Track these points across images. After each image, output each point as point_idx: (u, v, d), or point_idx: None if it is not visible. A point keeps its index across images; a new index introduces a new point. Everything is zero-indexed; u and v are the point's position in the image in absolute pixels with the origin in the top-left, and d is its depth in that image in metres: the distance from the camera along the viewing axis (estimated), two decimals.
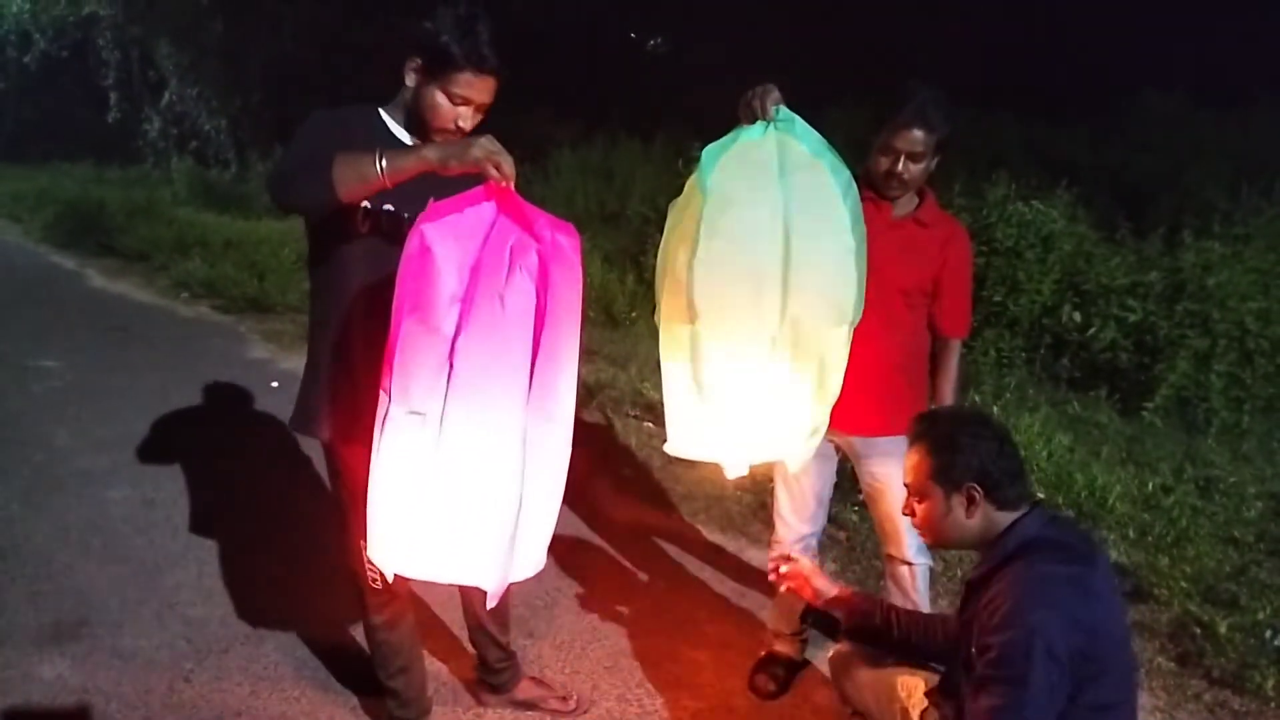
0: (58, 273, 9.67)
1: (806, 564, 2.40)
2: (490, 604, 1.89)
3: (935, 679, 2.14)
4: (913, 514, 2.03)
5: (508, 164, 1.83)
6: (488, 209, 1.82)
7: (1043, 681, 1.66)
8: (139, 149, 16.25)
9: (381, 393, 1.81)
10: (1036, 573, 1.79)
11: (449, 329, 1.73)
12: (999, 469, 1.90)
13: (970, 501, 1.90)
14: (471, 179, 1.87)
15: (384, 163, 1.87)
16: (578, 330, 1.91)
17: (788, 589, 2.43)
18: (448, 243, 1.76)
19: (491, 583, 1.85)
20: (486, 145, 1.84)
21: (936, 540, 2.05)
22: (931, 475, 1.94)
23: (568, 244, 1.85)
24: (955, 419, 2.03)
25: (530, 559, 1.93)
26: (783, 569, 2.39)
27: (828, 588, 2.34)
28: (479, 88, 2.06)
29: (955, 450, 1.91)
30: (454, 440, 1.75)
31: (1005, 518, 1.91)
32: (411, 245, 1.77)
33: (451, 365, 1.72)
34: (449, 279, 1.74)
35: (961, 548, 2.14)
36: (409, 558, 1.85)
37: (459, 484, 1.77)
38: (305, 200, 1.98)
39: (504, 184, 1.82)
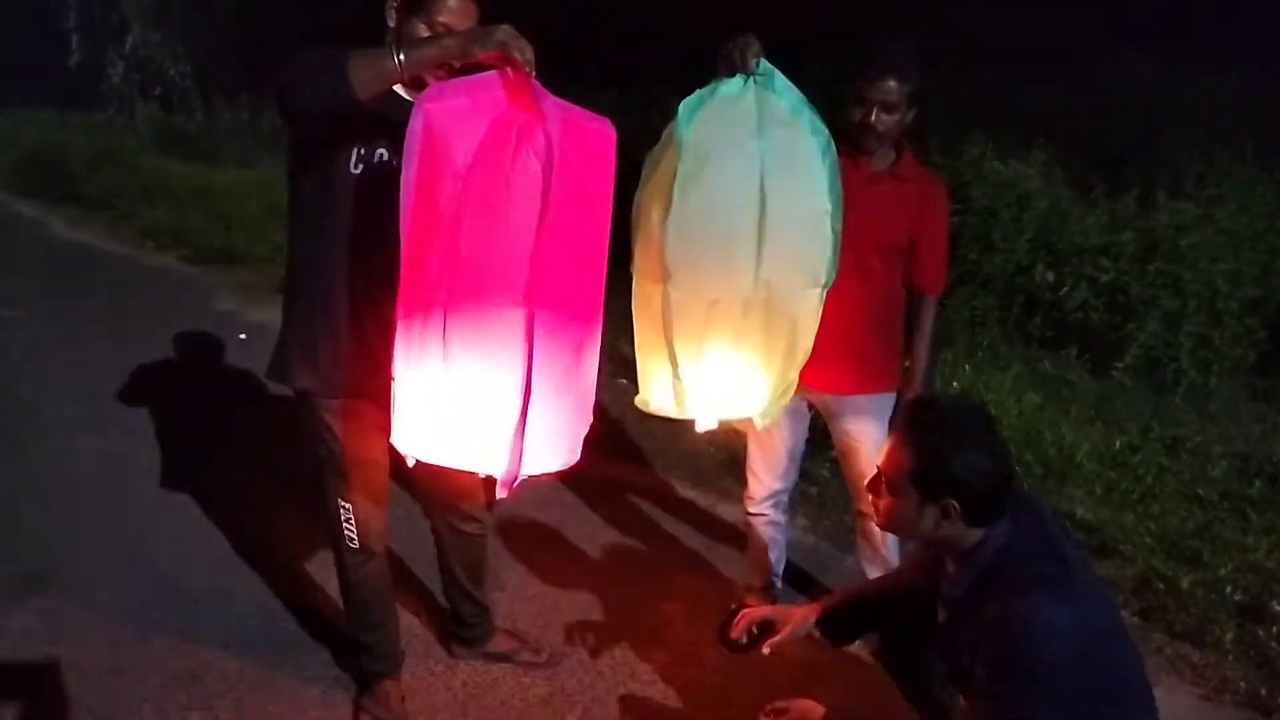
0: (19, 221, 9.46)
1: (762, 610, 2.32)
2: (500, 493, 1.83)
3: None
4: (876, 495, 1.88)
5: (530, 50, 1.75)
6: (499, 94, 1.75)
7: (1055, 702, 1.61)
8: (102, 94, 15.83)
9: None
10: (1029, 602, 1.66)
11: (450, 209, 1.70)
12: (984, 486, 1.73)
13: (944, 515, 1.75)
14: None
15: (401, 55, 1.80)
16: (604, 223, 1.86)
17: (768, 646, 2.20)
18: (451, 122, 1.70)
19: (500, 471, 1.82)
20: (509, 30, 1.76)
21: (893, 532, 1.89)
22: (910, 477, 1.77)
23: (600, 135, 1.81)
24: (951, 419, 1.78)
25: (550, 453, 1.89)
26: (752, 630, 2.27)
27: (792, 614, 2.22)
28: (460, 13, 2.00)
29: (942, 461, 1.73)
30: (458, 324, 1.72)
31: (976, 534, 1.77)
32: (415, 125, 1.71)
33: (456, 247, 1.69)
34: (451, 159, 1.69)
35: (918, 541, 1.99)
36: (425, 443, 1.84)
37: (464, 369, 1.75)
38: (319, 100, 1.83)
39: (527, 70, 1.75)
